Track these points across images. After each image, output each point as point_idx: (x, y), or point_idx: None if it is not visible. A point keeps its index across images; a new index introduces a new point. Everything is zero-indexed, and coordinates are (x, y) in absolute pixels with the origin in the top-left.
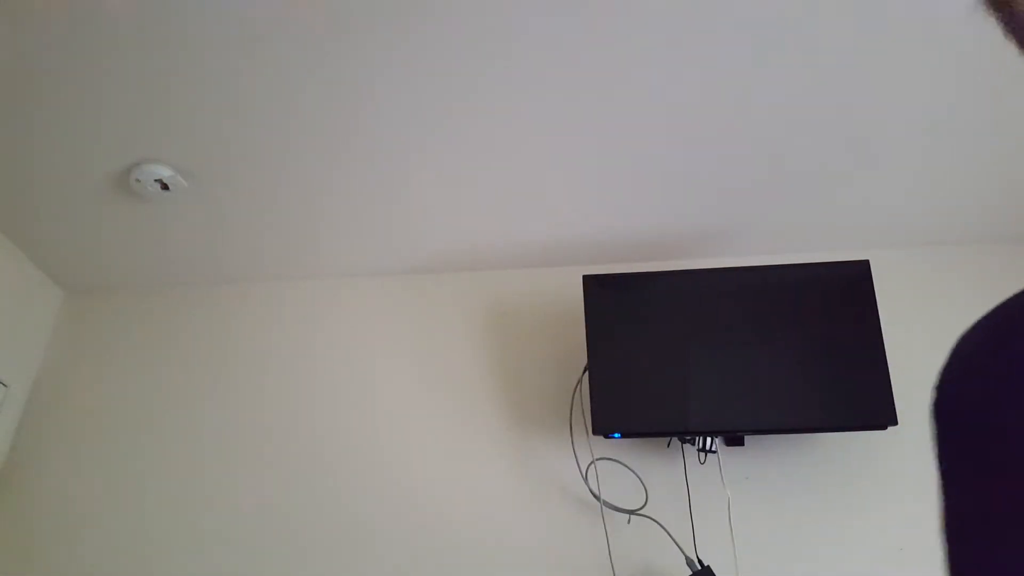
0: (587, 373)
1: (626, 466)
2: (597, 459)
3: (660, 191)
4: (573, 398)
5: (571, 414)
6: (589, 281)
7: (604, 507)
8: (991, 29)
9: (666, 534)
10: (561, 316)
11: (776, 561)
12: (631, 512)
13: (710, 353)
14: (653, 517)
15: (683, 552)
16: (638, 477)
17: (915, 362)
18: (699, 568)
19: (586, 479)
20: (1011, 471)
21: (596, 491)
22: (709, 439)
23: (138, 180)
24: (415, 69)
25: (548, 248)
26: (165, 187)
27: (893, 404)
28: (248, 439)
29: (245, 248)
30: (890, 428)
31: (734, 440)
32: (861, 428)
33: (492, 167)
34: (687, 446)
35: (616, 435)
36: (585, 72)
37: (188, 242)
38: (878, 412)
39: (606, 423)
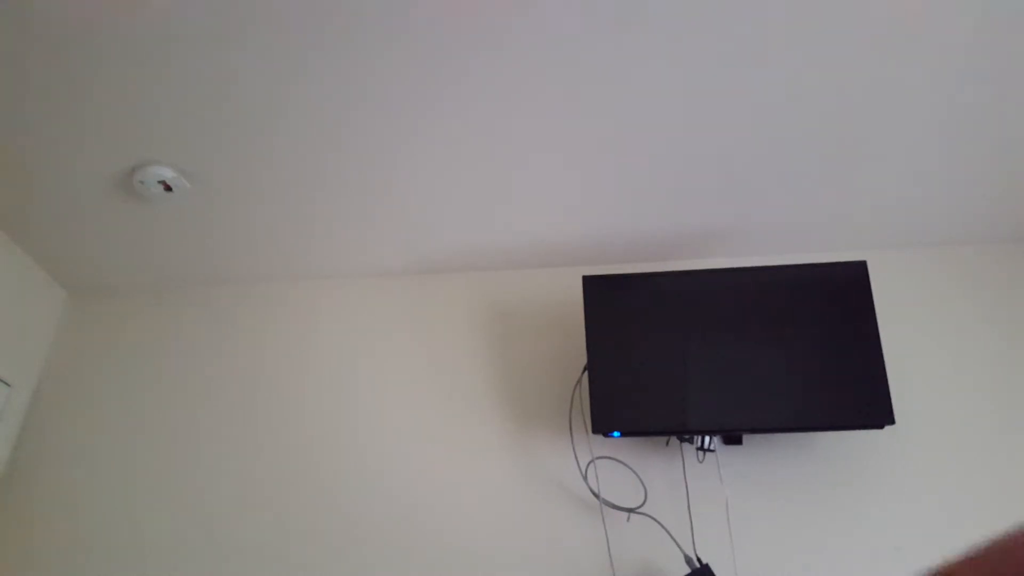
0: (586, 372)
1: (625, 465)
2: (596, 458)
3: (660, 191)
4: (572, 397)
5: (571, 413)
6: (589, 281)
7: (603, 505)
8: (990, 29)
9: (665, 532)
10: (561, 316)
11: (773, 559)
12: (630, 510)
13: (709, 353)
14: (652, 515)
15: (682, 550)
16: (637, 476)
17: (912, 362)
18: (697, 566)
19: (585, 478)
20: None
21: (595, 489)
22: (707, 438)
23: (141, 181)
24: (414, 69)
25: (548, 248)
26: (168, 188)
27: (890, 403)
28: (249, 439)
29: (247, 249)
30: (887, 427)
31: (732, 439)
32: (858, 427)
33: (492, 167)
34: (686, 445)
35: (615, 434)
36: (585, 72)
37: (191, 243)
38: (875, 411)
39: (605, 422)
